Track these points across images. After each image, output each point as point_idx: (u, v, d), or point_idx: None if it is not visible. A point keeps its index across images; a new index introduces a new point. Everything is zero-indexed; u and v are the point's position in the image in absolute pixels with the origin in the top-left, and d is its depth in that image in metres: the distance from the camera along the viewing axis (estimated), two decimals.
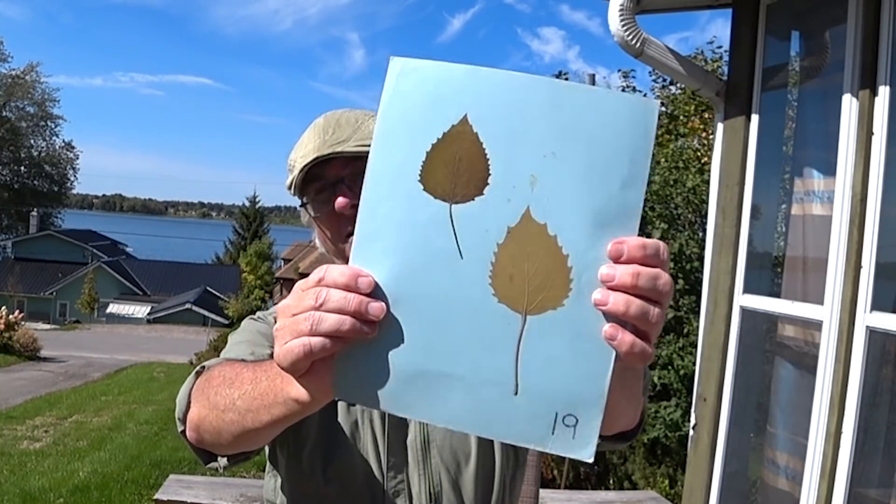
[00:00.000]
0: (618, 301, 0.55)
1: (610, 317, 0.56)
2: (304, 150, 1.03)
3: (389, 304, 0.58)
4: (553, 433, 0.57)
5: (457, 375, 0.58)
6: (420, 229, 0.58)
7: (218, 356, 1.05)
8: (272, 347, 0.97)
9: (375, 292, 0.58)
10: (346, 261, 0.87)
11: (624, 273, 0.56)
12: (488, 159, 0.57)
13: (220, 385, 0.82)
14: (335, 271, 0.59)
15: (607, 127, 0.57)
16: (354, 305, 0.57)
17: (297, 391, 0.64)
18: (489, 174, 0.57)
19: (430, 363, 0.58)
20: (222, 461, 0.92)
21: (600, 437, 0.86)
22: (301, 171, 1.02)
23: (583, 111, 0.57)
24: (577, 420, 0.57)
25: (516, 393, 0.57)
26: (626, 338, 0.56)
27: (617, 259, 0.56)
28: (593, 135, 0.57)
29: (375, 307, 0.58)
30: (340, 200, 0.98)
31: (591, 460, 0.59)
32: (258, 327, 1.08)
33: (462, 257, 0.57)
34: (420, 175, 0.58)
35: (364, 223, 0.59)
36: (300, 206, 1.07)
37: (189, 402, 0.89)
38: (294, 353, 0.59)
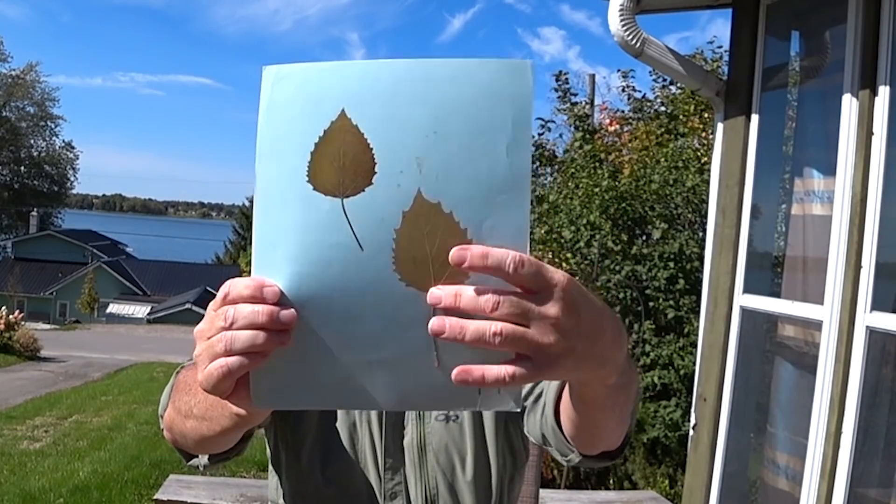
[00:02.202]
0: (452, 327, 0.55)
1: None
2: None
3: (298, 308, 0.58)
4: (480, 393, 0.58)
5: (376, 362, 0.59)
6: (316, 229, 0.58)
7: None
8: None
9: (283, 300, 0.58)
10: None
11: (448, 294, 0.55)
12: (372, 149, 0.57)
13: (183, 391, 0.84)
14: (239, 285, 0.58)
15: (484, 95, 0.57)
16: (265, 318, 0.57)
17: (235, 408, 0.64)
18: (375, 163, 0.57)
19: (348, 354, 0.59)
20: (203, 459, 0.93)
21: (585, 455, 0.90)
22: None
23: (457, 85, 0.57)
24: None
25: (437, 366, 0.58)
26: (475, 373, 0.55)
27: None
28: (471, 106, 0.57)
29: (286, 315, 0.57)
30: None
31: (518, 410, 0.60)
32: None
33: (362, 249, 0.57)
34: (308, 176, 0.58)
35: (260, 233, 0.59)
36: None
37: (168, 402, 0.92)
38: (214, 376, 0.58)
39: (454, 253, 0.55)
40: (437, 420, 1.04)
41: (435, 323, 0.55)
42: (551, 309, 0.55)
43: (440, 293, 0.55)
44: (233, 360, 0.58)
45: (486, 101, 0.57)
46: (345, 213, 0.57)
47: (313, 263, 0.58)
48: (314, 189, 0.58)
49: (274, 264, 0.59)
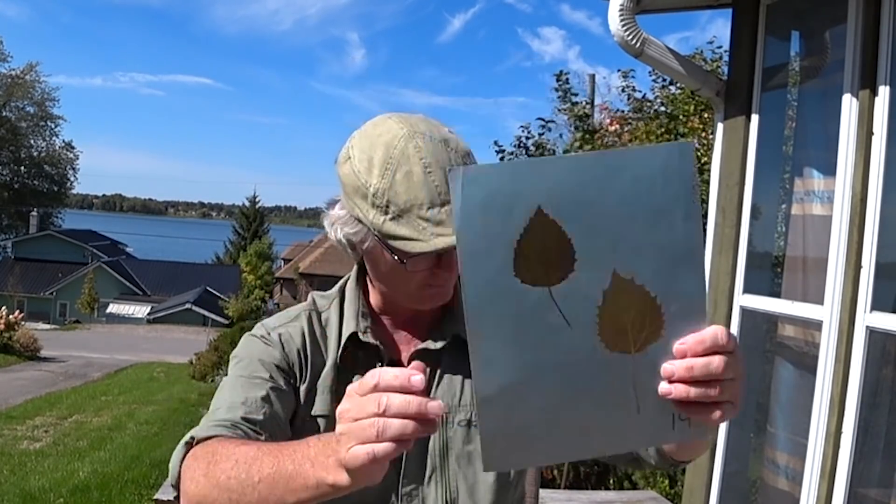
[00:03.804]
0: (679, 390, 0.65)
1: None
2: (408, 189, 0.90)
3: (522, 383, 0.65)
4: (673, 429, 0.67)
5: (590, 415, 0.66)
6: (528, 316, 0.64)
7: (218, 356, 1.04)
8: (272, 380, 0.98)
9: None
10: (403, 298, 1.00)
11: (680, 368, 0.65)
12: (570, 239, 0.64)
13: (232, 468, 0.79)
14: (388, 375, 0.64)
15: (659, 177, 0.64)
16: (415, 408, 0.63)
17: (338, 478, 0.67)
18: (574, 251, 0.64)
19: (567, 413, 0.66)
20: None
21: (671, 459, 0.96)
22: (399, 215, 0.91)
23: (635, 170, 0.64)
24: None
25: (638, 411, 0.66)
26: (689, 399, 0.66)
27: (682, 357, 0.65)
28: (650, 187, 0.64)
29: (434, 406, 0.64)
30: (443, 275, 0.97)
31: (708, 439, 0.71)
32: (258, 353, 1.02)
33: (570, 327, 0.65)
34: (514, 271, 0.64)
35: (474, 328, 0.64)
36: (380, 239, 0.94)
37: (180, 473, 0.86)
38: (360, 458, 0.64)
39: (666, 370, 0.66)
40: (459, 425, 1.04)
41: (664, 388, 0.65)
42: (740, 366, 0.68)
43: (672, 368, 0.65)
44: (381, 447, 0.63)
45: (662, 181, 0.64)
46: (553, 299, 0.64)
47: (529, 345, 0.65)
48: (522, 283, 0.64)
49: (494, 354, 0.64)
